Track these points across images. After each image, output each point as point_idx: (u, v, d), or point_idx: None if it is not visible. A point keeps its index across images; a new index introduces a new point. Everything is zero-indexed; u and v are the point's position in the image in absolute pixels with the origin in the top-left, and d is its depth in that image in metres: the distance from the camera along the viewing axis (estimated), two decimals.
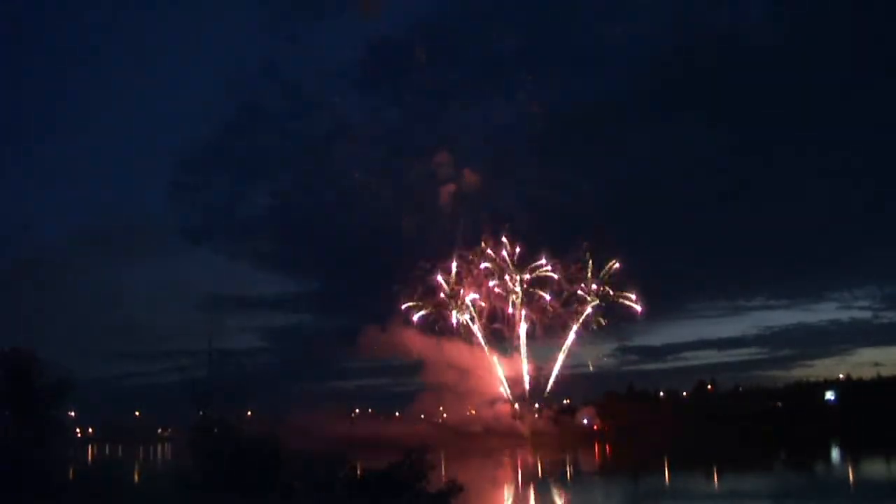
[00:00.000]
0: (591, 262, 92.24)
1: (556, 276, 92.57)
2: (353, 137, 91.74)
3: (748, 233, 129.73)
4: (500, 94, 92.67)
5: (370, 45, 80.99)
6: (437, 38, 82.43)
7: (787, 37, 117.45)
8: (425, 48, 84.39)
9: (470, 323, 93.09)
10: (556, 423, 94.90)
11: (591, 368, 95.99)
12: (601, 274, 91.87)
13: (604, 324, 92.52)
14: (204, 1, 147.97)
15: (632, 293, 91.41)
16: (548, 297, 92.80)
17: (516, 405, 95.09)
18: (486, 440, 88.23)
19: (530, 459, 75.92)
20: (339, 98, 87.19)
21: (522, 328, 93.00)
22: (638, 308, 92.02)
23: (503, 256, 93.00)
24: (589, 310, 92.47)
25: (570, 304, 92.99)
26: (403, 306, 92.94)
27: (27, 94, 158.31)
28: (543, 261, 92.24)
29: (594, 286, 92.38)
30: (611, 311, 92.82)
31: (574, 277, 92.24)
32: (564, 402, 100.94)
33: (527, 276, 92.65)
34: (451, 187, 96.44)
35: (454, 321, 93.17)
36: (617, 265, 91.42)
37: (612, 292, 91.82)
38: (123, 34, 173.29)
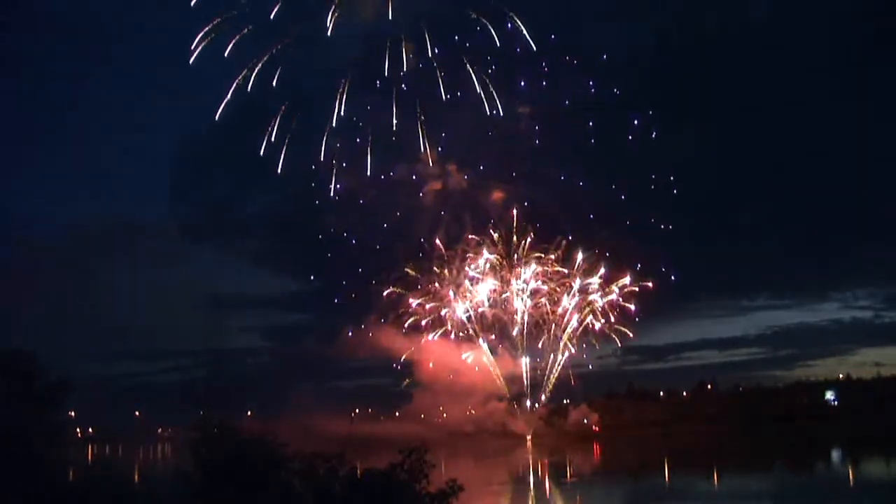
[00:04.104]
0: (586, 262, 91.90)
1: (553, 276, 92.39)
2: (355, 136, 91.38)
3: (750, 233, 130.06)
4: (502, 94, 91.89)
5: (369, 45, 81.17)
6: (435, 38, 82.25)
7: (785, 35, 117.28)
8: (424, 48, 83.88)
9: (466, 321, 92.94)
10: (549, 423, 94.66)
11: (590, 367, 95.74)
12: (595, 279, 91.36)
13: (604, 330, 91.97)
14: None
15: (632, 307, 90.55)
16: (545, 294, 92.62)
17: (514, 405, 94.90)
18: (481, 440, 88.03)
19: (522, 460, 75.89)
20: (339, 97, 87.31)
21: (520, 327, 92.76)
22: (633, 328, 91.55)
23: (502, 254, 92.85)
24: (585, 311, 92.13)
25: (569, 304, 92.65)
26: (397, 305, 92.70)
27: (26, 94, 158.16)
28: (540, 254, 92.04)
29: (594, 288, 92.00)
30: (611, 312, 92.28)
31: (564, 281, 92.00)
32: (565, 401, 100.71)
33: (525, 275, 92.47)
34: (450, 187, 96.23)
35: (450, 320, 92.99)
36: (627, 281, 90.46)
37: (616, 300, 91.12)
38: (123, 33, 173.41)
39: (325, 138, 78.48)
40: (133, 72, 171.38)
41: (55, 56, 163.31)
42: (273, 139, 77.32)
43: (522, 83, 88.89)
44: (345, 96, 77.04)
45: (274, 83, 75.27)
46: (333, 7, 72.83)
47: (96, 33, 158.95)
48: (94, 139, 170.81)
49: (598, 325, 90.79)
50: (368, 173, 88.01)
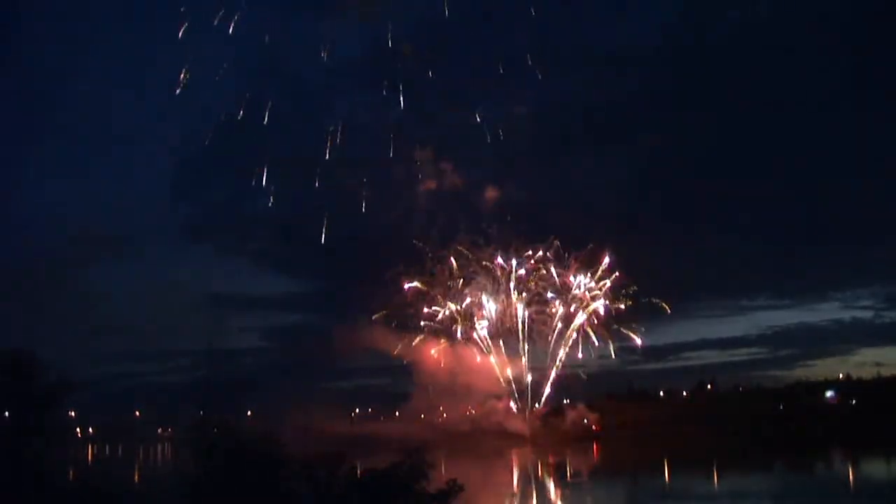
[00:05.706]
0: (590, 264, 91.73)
1: (550, 276, 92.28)
2: (354, 137, 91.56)
3: (751, 232, 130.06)
4: (502, 95, 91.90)
5: (371, 45, 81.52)
6: (433, 39, 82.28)
7: (785, 35, 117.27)
8: (423, 48, 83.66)
9: (464, 322, 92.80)
10: (548, 423, 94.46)
11: (583, 374, 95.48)
12: (598, 278, 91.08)
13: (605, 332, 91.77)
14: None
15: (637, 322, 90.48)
16: (536, 294, 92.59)
17: (511, 404, 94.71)
18: (480, 440, 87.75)
19: (521, 460, 75.73)
20: (340, 97, 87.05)
21: (518, 327, 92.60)
22: (638, 340, 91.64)
23: (498, 254, 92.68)
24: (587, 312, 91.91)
25: (569, 304, 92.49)
26: (396, 305, 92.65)
27: (26, 93, 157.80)
28: (540, 254, 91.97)
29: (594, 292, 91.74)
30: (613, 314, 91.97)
31: (561, 282, 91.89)
32: (564, 401, 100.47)
33: (521, 275, 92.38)
34: (445, 187, 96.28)
35: (447, 320, 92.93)
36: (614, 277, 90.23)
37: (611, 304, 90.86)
38: (123, 33, 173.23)
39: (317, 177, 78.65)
40: (134, 72, 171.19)
41: (55, 56, 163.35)
42: (265, 179, 77.62)
43: (522, 86, 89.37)
44: (340, 129, 77.40)
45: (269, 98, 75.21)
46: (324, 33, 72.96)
47: (98, 33, 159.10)
48: (95, 139, 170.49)
49: (593, 329, 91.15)
50: (366, 177, 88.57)
